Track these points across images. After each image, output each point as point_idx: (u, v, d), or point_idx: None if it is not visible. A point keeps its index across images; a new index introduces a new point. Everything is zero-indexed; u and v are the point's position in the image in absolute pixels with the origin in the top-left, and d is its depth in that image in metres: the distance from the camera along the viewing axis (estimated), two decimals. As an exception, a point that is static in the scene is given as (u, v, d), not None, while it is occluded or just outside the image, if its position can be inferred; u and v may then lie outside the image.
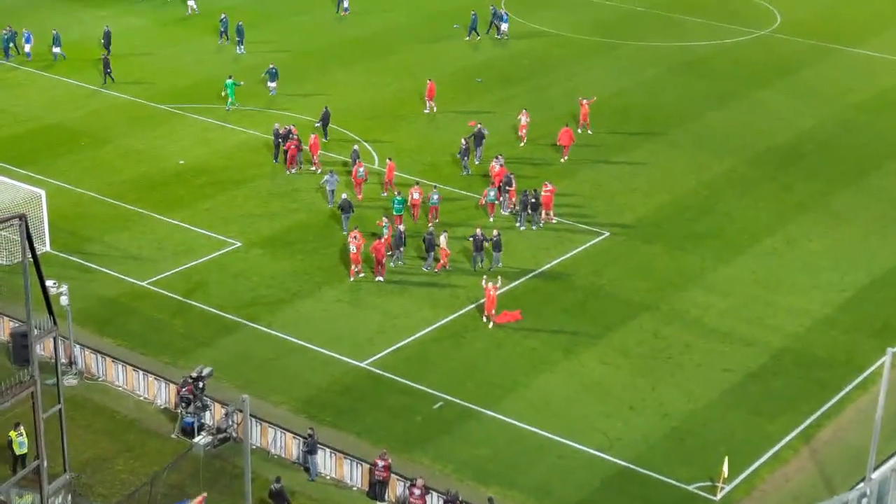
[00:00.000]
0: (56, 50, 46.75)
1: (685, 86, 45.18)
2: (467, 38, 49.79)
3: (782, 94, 44.52)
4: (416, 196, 35.83)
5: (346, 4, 53.67)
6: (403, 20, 51.71)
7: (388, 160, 37.89)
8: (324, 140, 40.10)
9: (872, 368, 26.36)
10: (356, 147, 38.01)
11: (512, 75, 46.08)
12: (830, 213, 35.75)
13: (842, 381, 27.82)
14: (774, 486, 24.88)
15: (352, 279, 32.45)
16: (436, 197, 35.56)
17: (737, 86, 45.37)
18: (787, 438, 26.44)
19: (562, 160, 39.81)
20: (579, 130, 40.41)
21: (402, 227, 33.31)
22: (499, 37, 51.01)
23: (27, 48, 46.46)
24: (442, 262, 32.47)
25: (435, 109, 43.35)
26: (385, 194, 36.36)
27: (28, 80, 45.35)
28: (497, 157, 37.82)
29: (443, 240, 32.65)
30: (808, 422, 26.37)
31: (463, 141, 38.27)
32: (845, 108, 43.43)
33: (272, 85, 42.83)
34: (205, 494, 19.62)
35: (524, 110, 39.29)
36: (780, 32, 51.36)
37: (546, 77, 45.63)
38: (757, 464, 25.60)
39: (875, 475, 24.03)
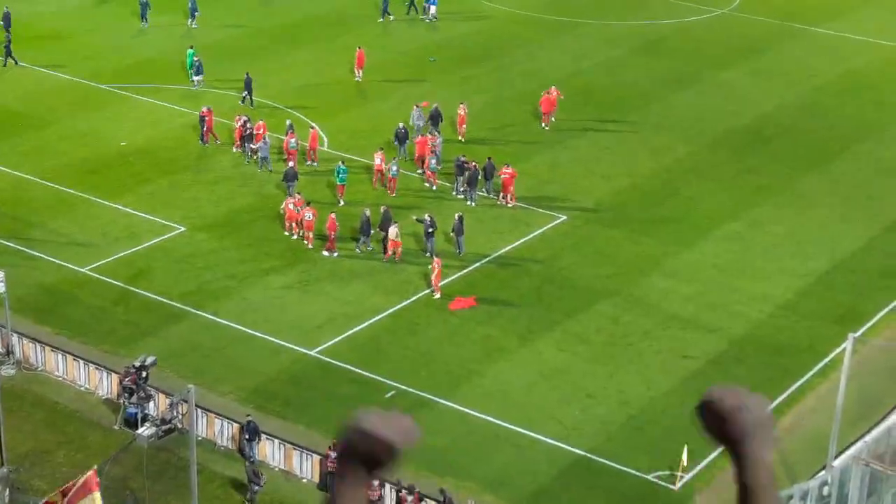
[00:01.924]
0: None
1: (646, 67, 45.39)
2: (380, 20, 49.47)
3: (745, 75, 44.84)
4: (377, 161, 36.16)
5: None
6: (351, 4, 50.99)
7: (310, 128, 38.24)
8: (251, 108, 40.23)
9: (833, 355, 26.73)
10: (289, 121, 38.03)
11: (469, 55, 45.68)
12: (794, 197, 36.21)
13: (803, 367, 28.46)
14: (722, 480, 25.19)
15: (307, 244, 32.82)
16: (394, 168, 35.73)
17: (698, 67, 45.66)
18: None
19: (542, 126, 40.21)
20: (542, 125, 40.40)
21: (367, 213, 33.18)
22: (424, 18, 50.45)
23: None
24: (390, 252, 32.40)
25: (359, 78, 43.68)
26: (309, 162, 36.77)
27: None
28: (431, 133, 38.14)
29: (392, 231, 32.53)
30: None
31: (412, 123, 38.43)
32: (810, 90, 43.75)
33: (197, 78, 42.22)
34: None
35: (462, 103, 39.18)
36: (741, 11, 51.37)
37: (505, 58, 45.46)
38: (717, 452, 25.85)
39: (836, 463, 24.54)
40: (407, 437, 2.19)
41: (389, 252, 32.38)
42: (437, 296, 30.64)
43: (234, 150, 37.55)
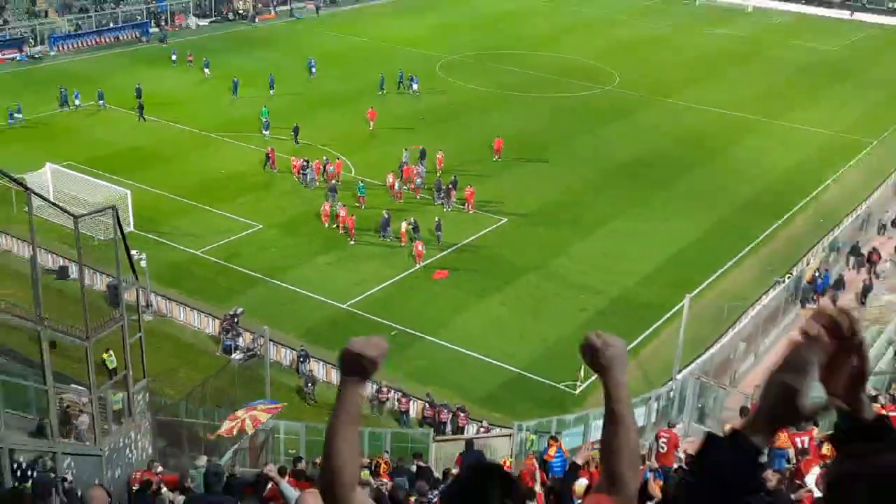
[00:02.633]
0: (101, 103, 45.68)
1: (560, 124, 45.37)
2: (379, 93, 48.71)
3: (622, 129, 44.94)
4: (389, 180, 36.65)
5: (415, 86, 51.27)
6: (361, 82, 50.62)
7: (336, 159, 38.53)
8: (296, 146, 40.61)
9: (676, 309, 26.98)
10: (325, 157, 38.56)
11: (443, 115, 45.88)
12: (655, 207, 36.75)
13: (657, 316, 29.00)
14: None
15: (340, 231, 33.37)
16: (397, 185, 36.63)
17: (592, 124, 45.70)
18: (622, 353, 27.00)
19: (495, 158, 40.27)
20: (495, 158, 40.37)
21: (386, 214, 33.28)
22: (411, 92, 49.82)
23: (77, 102, 45.62)
24: (403, 242, 32.68)
25: (371, 128, 43.53)
26: (334, 181, 36.55)
27: (105, 119, 45.00)
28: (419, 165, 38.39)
29: (403, 225, 32.98)
30: (635, 343, 26.87)
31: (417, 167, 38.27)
32: (662, 138, 43.70)
33: (266, 132, 42.20)
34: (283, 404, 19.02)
35: (440, 151, 39.25)
36: (620, 87, 51.38)
37: (468, 117, 45.45)
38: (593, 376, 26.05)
39: (678, 377, 24.86)
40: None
41: (404, 239, 32.61)
42: (418, 265, 31.21)
43: (295, 177, 37.62)
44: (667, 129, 45.07)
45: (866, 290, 30.47)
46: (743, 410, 22.84)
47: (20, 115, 43.52)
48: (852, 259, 33.52)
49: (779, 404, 1.92)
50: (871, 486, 1.68)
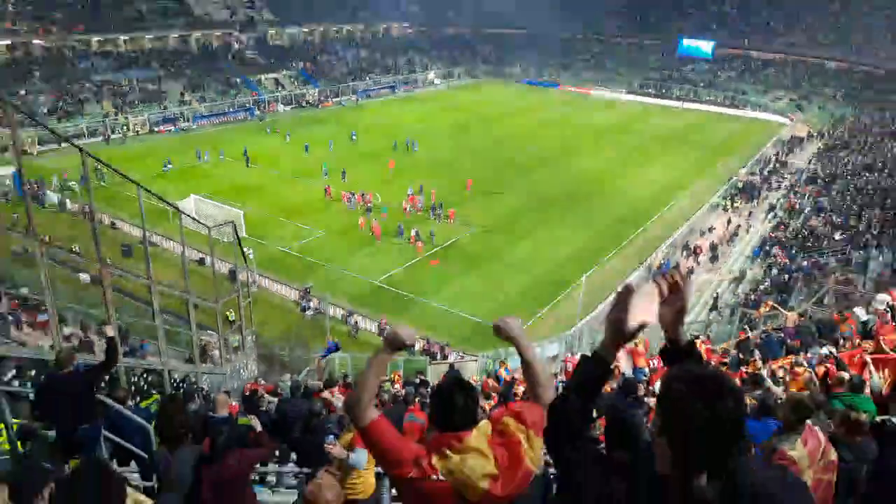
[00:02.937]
0: (221, 157, 45.57)
1: (507, 171, 45.37)
2: (394, 150, 48.17)
3: (545, 175, 45.31)
4: (404, 204, 36.84)
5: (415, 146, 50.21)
6: (383, 144, 50.25)
7: (369, 191, 37.75)
8: (343, 182, 40.05)
9: (575, 285, 26.98)
10: (362, 191, 37.88)
11: (436, 165, 45.45)
12: (565, 222, 36.91)
13: (567, 287, 29.02)
14: (537, 331, 25.57)
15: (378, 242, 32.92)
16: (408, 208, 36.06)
17: (528, 171, 45.63)
18: (540, 312, 27.07)
19: (467, 192, 39.78)
20: (467, 191, 39.95)
21: (400, 225, 33.50)
22: (413, 151, 49.11)
23: (206, 157, 45.52)
24: (412, 243, 32.44)
25: (391, 171, 42.99)
26: (368, 205, 36.67)
27: (225, 168, 45.02)
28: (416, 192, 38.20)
29: (412, 232, 32.89)
30: (552, 303, 26.94)
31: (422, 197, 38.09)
32: (569, 180, 43.87)
33: (325, 177, 41.75)
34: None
35: (432, 188, 38.75)
36: (546, 150, 51.62)
37: (452, 165, 45.61)
38: (532, 321, 26.19)
39: (579, 324, 25.04)
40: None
41: (412, 243, 32.31)
42: (420, 256, 30.77)
43: (343, 202, 37.33)
44: (573, 174, 45.06)
45: (690, 272, 30.70)
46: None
47: (171, 165, 43.54)
48: (685, 252, 33.82)
49: (613, 332, 1.97)
50: (684, 384, 1.67)
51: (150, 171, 41.85)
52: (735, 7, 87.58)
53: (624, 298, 2.00)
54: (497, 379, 16.23)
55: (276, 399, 9.81)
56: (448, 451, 2.46)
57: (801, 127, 62.13)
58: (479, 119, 61.56)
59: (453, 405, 2.54)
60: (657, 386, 11.69)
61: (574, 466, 1.89)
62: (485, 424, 2.54)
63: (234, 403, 9.39)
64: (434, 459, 2.45)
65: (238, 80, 65.21)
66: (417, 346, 24.64)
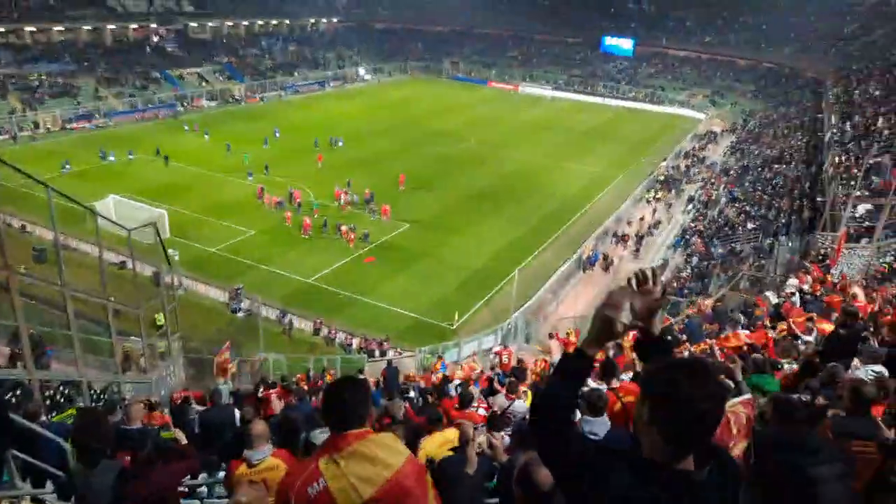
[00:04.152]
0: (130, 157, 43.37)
1: (440, 166, 45.48)
2: (315, 148, 46.48)
3: (477, 170, 45.40)
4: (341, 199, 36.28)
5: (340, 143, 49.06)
6: (309, 141, 49.10)
7: (297, 187, 36.91)
8: (265, 175, 38.20)
9: (510, 276, 27.25)
10: (290, 187, 36.52)
11: (367, 162, 45.02)
12: (498, 216, 37.25)
13: (501, 280, 29.19)
14: (473, 324, 25.64)
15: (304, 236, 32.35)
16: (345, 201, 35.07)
17: (460, 166, 45.71)
18: (478, 304, 27.29)
19: (400, 189, 39.39)
20: (400, 188, 39.45)
21: (325, 220, 33.00)
22: (339, 147, 48.12)
23: (111, 158, 42.78)
24: (343, 236, 32.03)
25: (320, 166, 41.76)
26: (298, 201, 35.92)
27: (144, 167, 42.35)
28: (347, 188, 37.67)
29: (344, 228, 32.32)
30: (487, 296, 27.18)
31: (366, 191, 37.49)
32: (501, 175, 44.43)
33: (250, 179, 40.45)
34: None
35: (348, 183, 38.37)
36: (475, 145, 52.06)
37: (383, 163, 45.04)
38: (467, 314, 26.31)
39: (514, 315, 25.12)
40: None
41: (344, 236, 31.85)
42: (354, 248, 30.37)
43: (258, 198, 36.19)
44: (503, 169, 45.59)
45: (610, 263, 31.77)
46: (550, 335, 23.32)
47: (70, 167, 40.69)
48: (613, 240, 34.99)
49: (602, 329, 1.98)
50: (674, 374, 1.75)
51: (61, 170, 39.61)
52: (653, 7, 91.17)
53: (619, 298, 2.01)
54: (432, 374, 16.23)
55: (202, 407, 9.40)
56: (335, 455, 2.33)
57: (715, 122, 65.40)
58: (410, 115, 61.31)
59: (338, 402, 2.41)
60: (625, 375, 11.97)
61: (572, 461, 1.90)
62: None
63: (163, 413, 8.93)
64: (321, 463, 2.34)
65: (158, 74, 62.35)
66: (355, 344, 24.38)
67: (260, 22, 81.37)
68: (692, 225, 36.58)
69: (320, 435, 5.42)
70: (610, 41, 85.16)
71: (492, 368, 17.61)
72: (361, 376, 14.17)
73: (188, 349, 19.52)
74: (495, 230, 34.75)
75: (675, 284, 27.46)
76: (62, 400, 9.54)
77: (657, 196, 42.06)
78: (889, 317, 8.63)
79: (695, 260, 30.37)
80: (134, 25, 67.83)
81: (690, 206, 40.80)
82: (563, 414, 1.97)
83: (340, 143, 48.69)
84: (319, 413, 2.59)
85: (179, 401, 11.51)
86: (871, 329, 7.52)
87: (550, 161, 48.63)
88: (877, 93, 41.39)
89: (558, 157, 49.97)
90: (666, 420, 1.72)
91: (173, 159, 42.65)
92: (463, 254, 31.74)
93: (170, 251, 23.12)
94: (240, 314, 25.86)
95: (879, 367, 5.45)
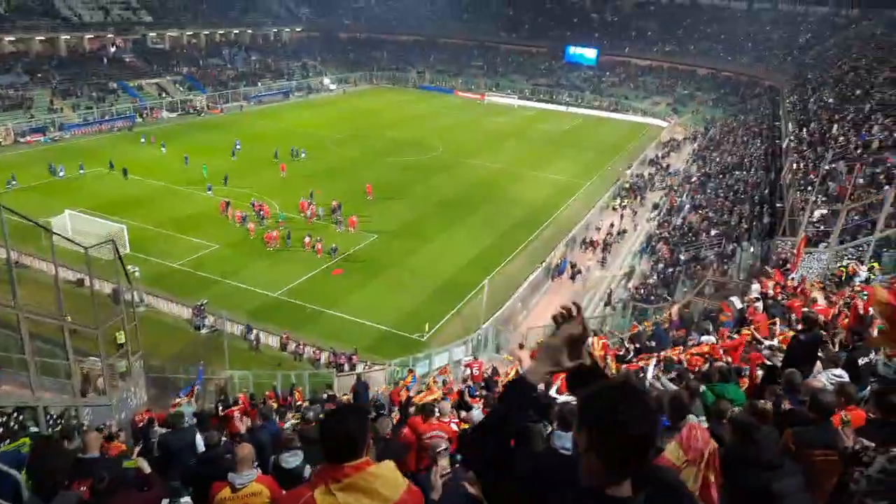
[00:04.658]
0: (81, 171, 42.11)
1: (407, 175, 45.42)
2: (275, 160, 45.86)
3: (445, 178, 45.42)
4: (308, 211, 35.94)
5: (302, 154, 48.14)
6: (270, 152, 48.85)
7: (261, 199, 36.29)
8: (224, 186, 37.66)
9: (480, 285, 27.33)
10: (253, 199, 35.99)
11: (333, 172, 44.84)
12: (466, 225, 37.36)
13: (471, 290, 29.22)
14: (443, 335, 25.58)
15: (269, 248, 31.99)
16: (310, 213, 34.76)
17: (427, 175, 45.87)
18: (449, 314, 27.22)
19: (368, 198, 39.16)
20: (368, 198, 39.18)
21: (289, 232, 32.77)
22: (302, 158, 47.43)
23: (61, 173, 41.33)
24: (307, 248, 31.78)
25: (284, 175, 41.25)
26: (262, 213, 35.32)
27: (99, 181, 41.13)
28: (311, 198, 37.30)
29: (307, 240, 31.94)
30: (458, 307, 27.15)
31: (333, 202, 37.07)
32: (469, 183, 44.66)
33: (209, 192, 39.61)
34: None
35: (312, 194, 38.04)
36: (442, 154, 52.03)
37: (350, 172, 44.75)
38: (438, 325, 26.26)
39: (484, 326, 25.15)
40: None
41: (307, 248, 31.49)
42: (321, 260, 29.96)
43: (223, 212, 35.55)
44: (471, 178, 45.80)
45: (578, 272, 32.08)
46: (521, 345, 23.45)
47: (15, 183, 39.35)
48: (582, 246, 35.45)
49: (552, 361, 2.02)
50: (607, 400, 1.79)
51: (6, 186, 38.36)
52: (616, 17, 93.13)
53: (567, 330, 2.07)
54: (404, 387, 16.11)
55: (166, 429, 9.15)
56: (332, 486, 2.27)
57: (678, 130, 66.98)
58: (377, 124, 61.29)
59: (337, 434, 2.36)
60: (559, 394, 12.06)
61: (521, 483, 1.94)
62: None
63: (120, 441, 8.65)
64: (317, 494, 2.29)
65: (116, 85, 61.05)
66: (323, 359, 24.11)
67: (221, 31, 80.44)
68: (657, 232, 37.26)
69: (290, 459, 5.34)
70: (574, 50, 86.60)
71: (464, 381, 17.60)
72: (356, 404, 13.92)
73: (150, 368, 19.02)
74: (465, 239, 34.82)
75: (641, 291, 27.90)
76: (16, 427, 9.18)
77: (623, 203, 42.76)
78: (847, 320, 8.91)
79: (661, 266, 30.91)
80: (90, 35, 66.38)
81: (655, 213, 41.59)
82: (500, 441, 1.99)
83: (303, 155, 48.09)
84: (319, 444, 2.51)
85: (142, 423, 11.20)
86: (831, 333, 7.75)
87: (518, 169, 49.09)
88: (830, 101, 42.94)
89: (525, 165, 50.48)
90: (603, 446, 1.75)
91: (130, 172, 41.65)
92: (432, 264, 31.69)
93: (130, 267, 22.58)
94: (204, 331, 25.33)
95: (840, 371, 5.62)
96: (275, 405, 13.40)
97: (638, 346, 14.67)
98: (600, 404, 1.78)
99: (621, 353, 14.55)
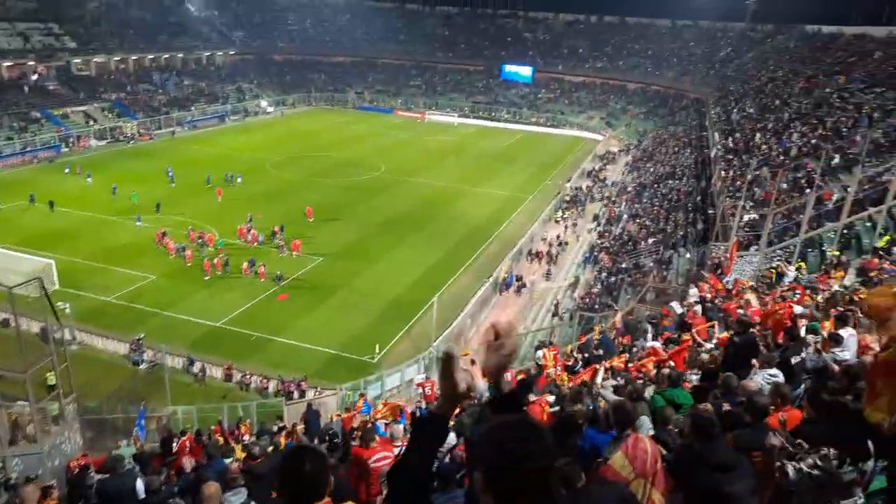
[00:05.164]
0: None
1: (349, 196, 45.02)
2: (207, 185, 44.89)
3: (388, 197, 45.33)
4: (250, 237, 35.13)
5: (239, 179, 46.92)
6: (203, 177, 47.65)
7: (194, 226, 35.29)
8: (157, 214, 36.40)
9: (429, 303, 27.38)
10: (190, 226, 35.27)
11: (273, 195, 44.07)
12: (412, 243, 37.13)
13: (420, 308, 29.11)
14: (394, 355, 25.41)
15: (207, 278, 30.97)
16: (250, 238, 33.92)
17: (369, 195, 45.66)
18: (399, 334, 27.07)
19: (309, 220, 38.56)
20: (309, 220, 38.59)
21: (227, 257, 31.91)
22: (237, 184, 46.26)
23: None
24: (244, 273, 30.89)
25: (220, 199, 40.35)
26: (199, 241, 34.34)
27: (22, 214, 39.15)
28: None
29: (245, 266, 31.29)
30: (407, 326, 27.02)
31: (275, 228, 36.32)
32: (412, 202, 44.68)
33: (140, 223, 38.21)
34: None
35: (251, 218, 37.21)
36: (384, 174, 51.91)
37: (291, 195, 44.06)
38: (388, 345, 26.07)
39: (434, 344, 25.05)
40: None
41: (245, 274, 30.80)
42: (265, 286, 29.23)
43: (158, 242, 34.08)
44: (414, 196, 45.84)
45: (523, 286, 32.60)
46: (472, 361, 23.46)
47: None
48: (529, 258, 35.96)
49: (447, 396, 2.01)
50: (498, 438, 1.73)
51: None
52: (548, 36, 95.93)
53: (448, 367, 2.04)
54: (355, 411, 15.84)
55: (104, 475, 8.68)
56: None
57: (612, 142, 69.24)
58: (316, 145, 60.81)
59: (297, 475, 2.30)
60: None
61: None
62: None
63: (52, 499, 8.12)
64: None
65: (39, 114, 58.38)
66: (272, 388, 23.48)
67: (150, 56, 78.25)
68: (599, 242, 38.26)
69: (233, 498, 5.15)
70: (510, 68, 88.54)
71: (417, 401, 17.48)
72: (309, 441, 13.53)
73: (86, 410, 18.05)
74: (411, 257, 34.73)
75: (587, 301, 28.52)
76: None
77: (565, 216, 43.74)
78: (780, 319, 9.34)
79: (604, 276, 31.71)
80: (8, 63, 63.42)
81: (596, 224, 42.73)
82: (421, 481, 1.96)
83: (239, 180, 46.76)
84: (278, 486, 2.42)
85: (77, 469, 10.57)
86: (765, 334, 8.11)
87: (461, 186, 49.52)
88: (751, 111, 45.41)
89: (468, 181, 50.99)
90: (499, 485, 1.69)
91: (56, 204, 39.58)
92: (380, 284, 31.44)
93: (60, 304, 21.44)
94: (143, 366, 24.28)
95: (774, 371, 5.88)
96: (221, 440, 12.90)
97: (586, 355, 14.95)
98: (494, 443, 1.72)
99: (570, 363, 14.79)
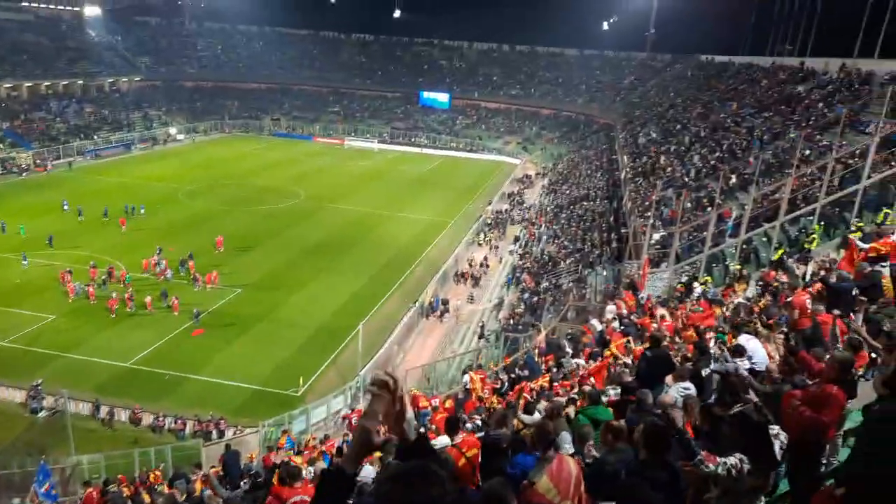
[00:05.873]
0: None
1: (267, 225, 44.06)
2: (104, 219, 42.39)
3: (309, 224, 44.70)
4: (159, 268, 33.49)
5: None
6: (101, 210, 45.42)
7: (97, 260, 33.52)
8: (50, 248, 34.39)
9: (354, 331, 26.94)
10: (92, 261, 33.46)
11: (186, 225, 42.30)
12: (335, 269, 36.67)
13: (345, 336, 28.76)
14: (320, 387, 24.84)
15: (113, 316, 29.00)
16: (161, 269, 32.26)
17: (289, 222, 44.87)
18: (324, 365, 26.42)
19: (219, 251, 37.27)
20: (218, 250, 37.37)
21: (132, 293, 30.09)
22: (140, 215, 43.84)
23: None
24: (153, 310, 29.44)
25: (124, 230, 38.16)
26: (103, 277, 32.24)
27: None
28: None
29: (172, 299, 29.84)
30: (333, 355, 26.46)
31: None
32: (334, 228, 44.13)
33: (25, 263, 35.50)
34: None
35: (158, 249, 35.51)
36: (304, 200, 51.11)
37: (203, 225, 42.47)
38: (313, 377, 25.51)
39: (361, 372, 24.68)
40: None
41: (149, 308, 29.36)
42: (178, 322, 27.90)
43: (62, 281, 31.51)
44: (336, 223, 45.27)
45: (447, 308, 32.84)
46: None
47: None
48: (455, 278, 36.22)
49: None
50: (391, 487, 1.73)
51: None
52: (463, 63, 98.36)
53: (375, 408, 2.00)
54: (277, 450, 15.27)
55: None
56: None
57: (529, 166, 71.43)
58: (231, 173, 59.05)
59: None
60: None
61: None
62: None
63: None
64: None
65: (-83, 144, 53.59)
66: (188, 429, 22.23)
67: (46, 83, 73.83)
68: (520, 263, 39.11)
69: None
70: (428, 94, 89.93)
71: (344, 436, 17.06)
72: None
73: (-26, 467, 16.52)
74: (335, 285, 34.14)
75: (511, 321, 28.97)
76: None
77: (487, 238, 44.50)
78: (689, 333, 9.84)
79: (526, 296, 32.36)
80: None
81: (517, 246, 43.71)
82: None
83: (142, 211, 44.18)
84: None
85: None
86: (677, 347, 8.52)
87: (383, 211, 49.38)
88: (655, 135, 48.20)
89: (390, 206, 50.95)
90: None
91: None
92: (302, 313, 30.65)
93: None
94: (42, 414, 22.37)
95: (687, 384, 6.17)
96: (126, 492, 12.06)
97: (512, 376, 15.15)
98: (381, 494, 1.72)
99: (497, 385, 14.93)
